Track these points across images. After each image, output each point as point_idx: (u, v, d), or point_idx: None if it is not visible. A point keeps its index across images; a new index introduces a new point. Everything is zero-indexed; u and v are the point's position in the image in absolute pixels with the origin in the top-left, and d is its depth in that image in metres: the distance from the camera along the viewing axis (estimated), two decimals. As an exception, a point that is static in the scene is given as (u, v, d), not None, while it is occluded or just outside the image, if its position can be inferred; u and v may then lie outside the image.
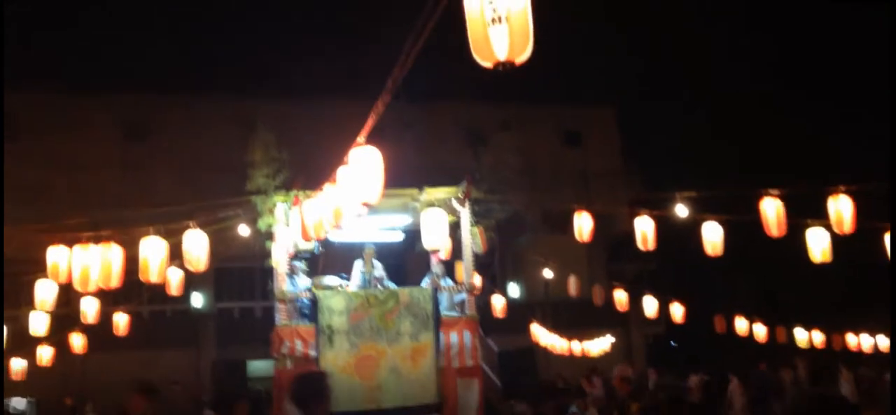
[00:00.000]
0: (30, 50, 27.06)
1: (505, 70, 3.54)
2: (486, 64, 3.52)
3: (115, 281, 8.58)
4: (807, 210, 9.44)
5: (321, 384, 4.37)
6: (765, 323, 19.02)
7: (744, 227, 9.59)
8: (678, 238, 12.35)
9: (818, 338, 19.62)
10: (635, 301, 18.80)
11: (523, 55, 3.53)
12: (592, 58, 31.74)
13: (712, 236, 10.07)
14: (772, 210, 8.98)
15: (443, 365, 10.81)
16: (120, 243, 8.60)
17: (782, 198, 8.94)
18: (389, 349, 10.61)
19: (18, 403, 21.51)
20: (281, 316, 10.69)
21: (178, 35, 32.66)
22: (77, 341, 15.04)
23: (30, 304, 12.26)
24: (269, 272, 11.41)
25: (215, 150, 21.59)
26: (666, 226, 10.57)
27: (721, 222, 10.02)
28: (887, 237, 9.57)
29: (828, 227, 9.12)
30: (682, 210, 10.18)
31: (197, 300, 23.87)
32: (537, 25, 3.65)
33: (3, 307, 5.77)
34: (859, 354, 19.01)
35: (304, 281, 11.43)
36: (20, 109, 22.93)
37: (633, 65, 32.27)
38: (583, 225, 10.58)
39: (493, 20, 3.48)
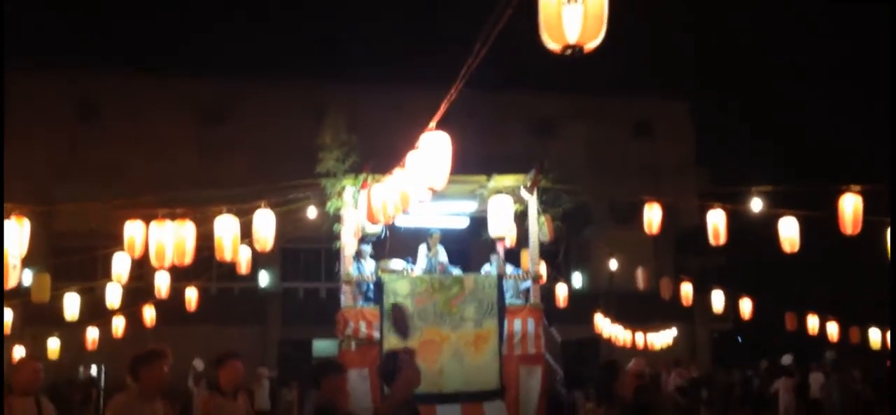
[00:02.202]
0: (112, 36, 27.94)
1: (573, 55, 3.44)
2: (555, 47, 3.43)
3: (188, 257, 8.79)
4: (886, 207, 9.11)
5: (395, 363, 4.57)
6: (838, 322, 18.48)
7: (819, 223, 9.32)
8: (749, 233, 12.07)
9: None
10: (702, 296, 18.46)
11: (595, 41, 3.43)
12: (666, 48, 31.21)
13: (789, 233, 9.78)
14: (849, 206, 8.70)
15: (506, 352, 10.79)
16: (194, 221, 8.81)
17: (862, 194, 8.66)
18: (453, 335, 10.63)
19: (92, 370, 22.40)
20: (346, 298, 10.81)
21: (253, 24, 33.33)
22: (149, 314, 15.49)
23: (106, 276, 12.69)
24: (335, 254, 11.53)
25: (287, 135, 21.98)
26: (736, 220, 10.34)
27: (798, 217, 9.74)
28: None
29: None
30: (756, 204, 9.93)
31: (264, 279, 24.35)
32: (610, 14, 3.55)
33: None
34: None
35: (369, 264, 11.54)
36: (102, 92, 23.73)
37: (709, 57, 31.58)
38: (652, 217, 10.41)
39: (569, 0, 3.40)
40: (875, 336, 19.05)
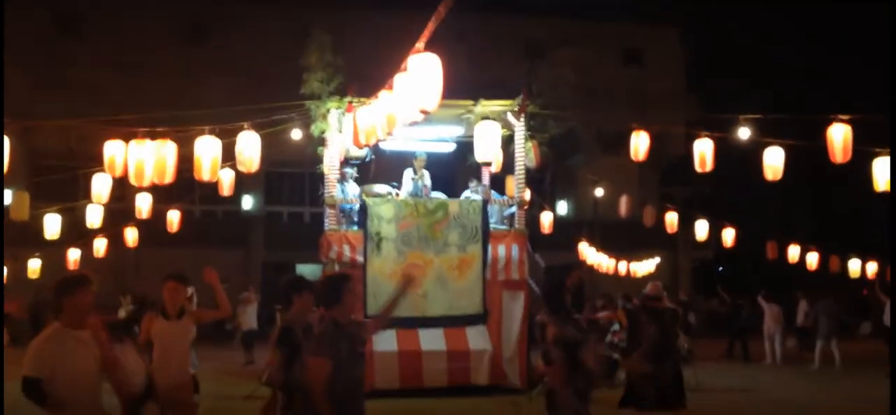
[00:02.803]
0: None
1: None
2: None
3: (168, 177, 8.64)
4: (874, 138, 9.07)
5: (340, 287, 4.41)
6: (818, 251, 18.60)
7: (807, 153, 9.27)
8: (735, 162, 12.02)
9: (872, 269, 19.17)
10: (686, 224, 18.52)
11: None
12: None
13: (773, 161, 9.75)
14: (839, 136, 8.65)
15: (489, 277, 10.82)
16: (175, 141, 8.63)
17: (851, 123, 8.60)
18: (436, 259, 10.65)
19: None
20: (330, 221, 10.77)
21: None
22: (130, 235, 15.36)
23: (87, 196, 12.53)
24: (319, 178, 11.44)
25: (272, 56, 21.60)
26: (724, 149, 10.27)
27: (784, 147, 9.68)
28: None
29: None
30: (744, 133, 9.86)
31: (247, 203, 24.24)
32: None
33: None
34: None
35: (354, 188, 11.47)
36: (86, 9, 23.17)
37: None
38: (639, 145, 10.32)
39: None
40: (854, 266, 19.24)
